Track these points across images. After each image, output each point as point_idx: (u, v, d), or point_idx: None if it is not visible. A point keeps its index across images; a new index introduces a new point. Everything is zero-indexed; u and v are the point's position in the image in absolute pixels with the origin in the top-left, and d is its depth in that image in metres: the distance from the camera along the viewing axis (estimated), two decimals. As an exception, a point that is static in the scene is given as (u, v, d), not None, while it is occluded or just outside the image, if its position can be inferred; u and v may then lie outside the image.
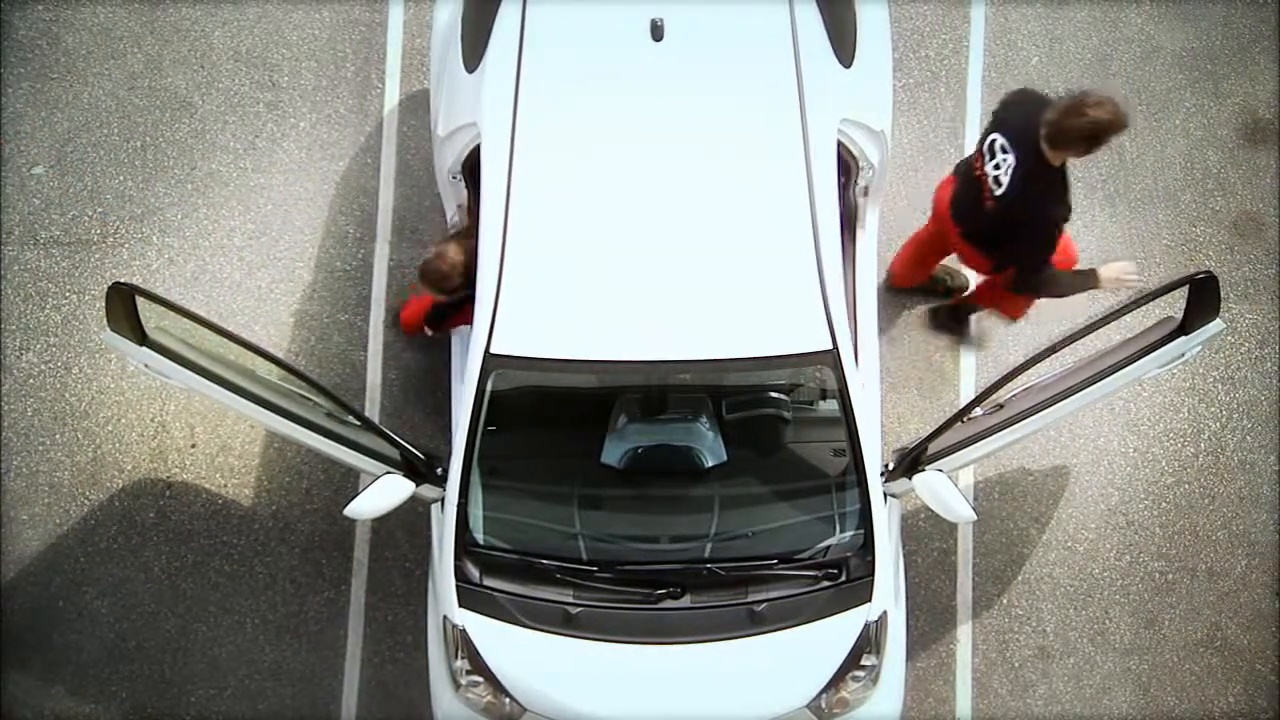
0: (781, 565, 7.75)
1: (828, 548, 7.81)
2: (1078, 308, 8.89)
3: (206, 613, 8.75)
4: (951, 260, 8.83)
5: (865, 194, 8.36)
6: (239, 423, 8.93)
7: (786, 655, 7.69)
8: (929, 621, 8.74)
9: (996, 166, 7.76)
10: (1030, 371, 7.64)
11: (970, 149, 9.23)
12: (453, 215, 8.44)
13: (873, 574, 7.76)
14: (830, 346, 7.55)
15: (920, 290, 9.03)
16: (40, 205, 9.18)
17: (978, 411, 7.86)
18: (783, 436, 7.97)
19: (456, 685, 7.83)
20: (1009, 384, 7.64)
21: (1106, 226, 9.14)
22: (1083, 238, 9.11)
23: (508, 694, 7.75)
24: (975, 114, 9.27)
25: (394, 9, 9.44)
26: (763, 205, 7.61)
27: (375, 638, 8.73)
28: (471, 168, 8.12)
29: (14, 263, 9.12)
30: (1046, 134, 7.52)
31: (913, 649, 8.71)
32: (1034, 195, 7.66)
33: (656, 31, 7.79)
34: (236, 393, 7.61)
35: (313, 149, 9.26)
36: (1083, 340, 8.70)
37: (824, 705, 7.75)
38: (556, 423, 7.94)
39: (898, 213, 9.14)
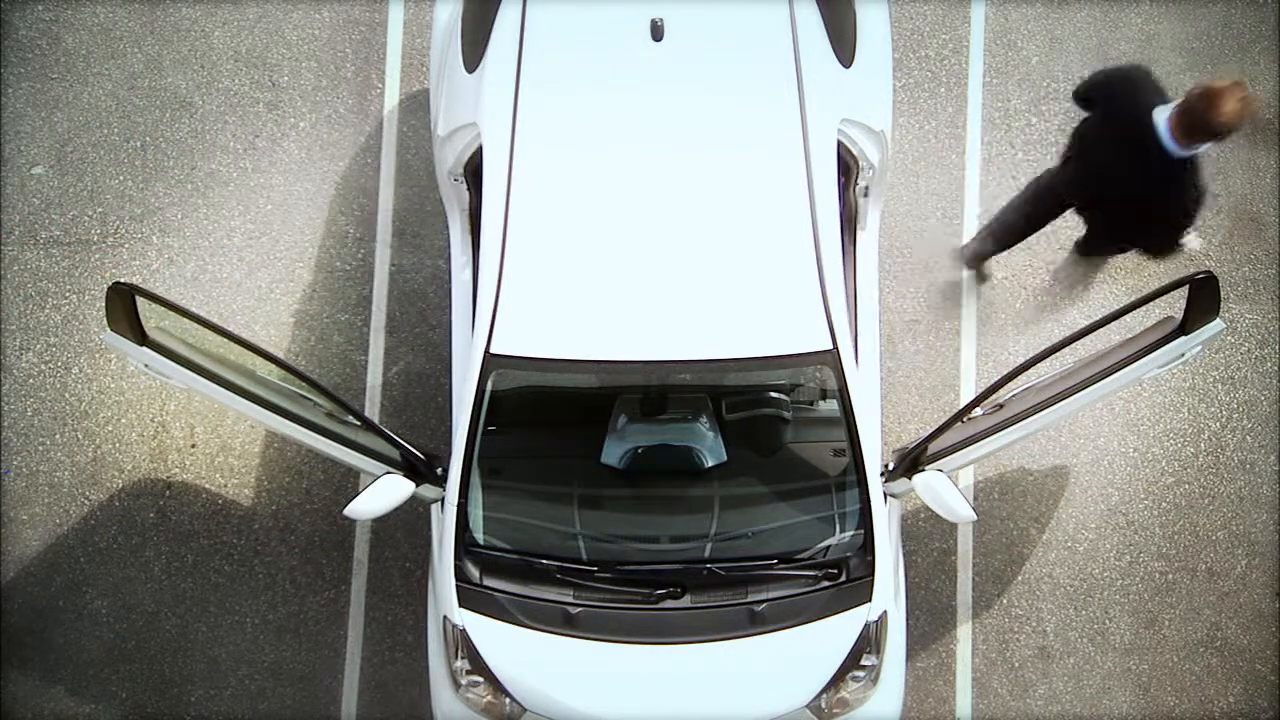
0: (781, 565, 7.75)
1: (828, 548, 7.80)
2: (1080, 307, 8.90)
3: (206, 613, 8.75)
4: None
5: (866, 194, 8.36)
6: (239, 423, 8.93)
7: (786, 655, 7.69)
8: (929, 621, 8.74)
9: None
10: (1030, 371, 7.65)
11: (971, 149, 9.23)
12: (455, 218, 8.44)
13: (873, 574, 7.76)
14: (830, 346, 7.55)
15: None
16: (40, 205, 9.18)
17: (978, 411, 7.85)
18: (783, 436, 7.96)
19: (456, 685, 7.83)
20: (1009, 384, 7.64)
21: (1106, 226, 9.15)
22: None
23: (508, 694, 7.74)
24: (976, 114, 9.27)
25: (394, 9, 9.44)
26: (763, 205, 7.61)
27: (375, 638, 8.73)
28: (473, 170, 8.13)
29: (14, 263, 9.12)
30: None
31: (913, 649, 8.71)
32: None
33: (656, 31, 7.79)
34: (236, 393, 7.61)
35: (313, 149, 9.25)
36: (1083, 340, 8.71)
37: (824, 705, 7.75)
38: (556, 423, 7.94)
39: (898, 214, 9.14)
